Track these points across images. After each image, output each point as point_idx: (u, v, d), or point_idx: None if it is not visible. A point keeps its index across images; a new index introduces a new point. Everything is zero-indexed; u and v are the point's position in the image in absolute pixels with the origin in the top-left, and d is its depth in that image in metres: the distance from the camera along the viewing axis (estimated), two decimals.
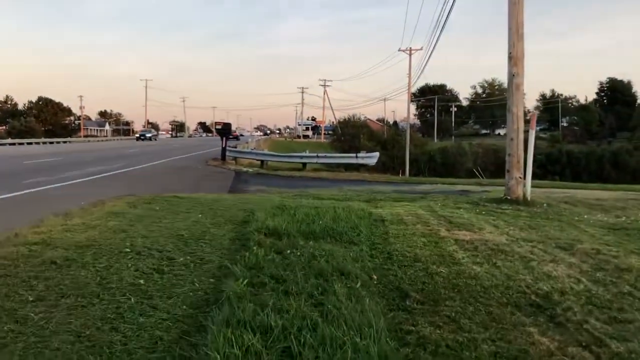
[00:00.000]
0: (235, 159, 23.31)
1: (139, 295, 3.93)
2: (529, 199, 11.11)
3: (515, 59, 10.91)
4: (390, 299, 4.25)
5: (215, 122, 23.09)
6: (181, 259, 5.02)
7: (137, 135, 77.78)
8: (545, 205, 10.93)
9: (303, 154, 21.60)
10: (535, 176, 44.22)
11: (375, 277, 4.81)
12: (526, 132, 11.27)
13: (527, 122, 11.50)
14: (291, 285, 4.18)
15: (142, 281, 4.26)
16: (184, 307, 3.76)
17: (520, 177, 11.12)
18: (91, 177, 14.53)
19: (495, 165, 58.76)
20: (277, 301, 3.75)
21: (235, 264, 4.73)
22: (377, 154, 21.26)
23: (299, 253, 5.37)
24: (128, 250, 5.27)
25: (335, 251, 5.50)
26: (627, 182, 46.76)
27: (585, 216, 10.06)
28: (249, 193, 12.33)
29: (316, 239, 6.29)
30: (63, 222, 6.66)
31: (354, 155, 21.08)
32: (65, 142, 60.62)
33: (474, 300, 4.32)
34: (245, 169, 20.13)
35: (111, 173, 16.06)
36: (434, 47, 49.45)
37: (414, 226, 7.83)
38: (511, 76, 11.07)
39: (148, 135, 76.64)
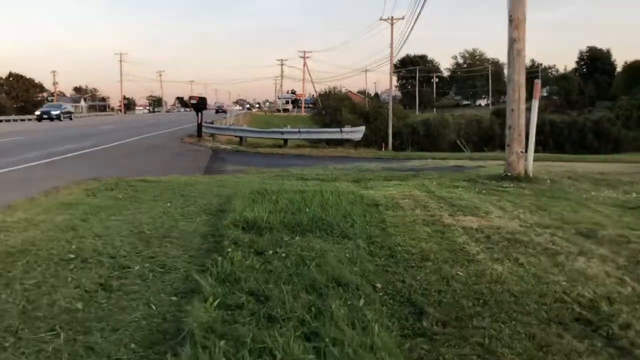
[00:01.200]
0: (212, 135, 22.09)
1: (73, 329, 2.95)
2: (530, 175, 10.27)
3: (516, 22, 9.93)
4: (403, 319, 3.33)
5: (190, 97, 21.71)
6: (138, 267, 4.02)
7: (38, 113, 50.60)
8: (548, 181, 10.12)
9: (284, 129, 20.47)
10: None
11: (379, 285, 3.88)
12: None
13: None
14: (276, 306, 3.22)
15: (80, 305, 3.26)
16: (132, 345, 2.78)
17: (522, 152, 10.26)
18: (53, 159, 13.30)
19: (478, 137, 58.58)
20: (258, 334, 2.80)
21: (204, 273, 3.76)
22: (362, 128, 20.20)
23: (284, 254, 4.41)
24: (72, 256, 4.24)
25: (327, 251, 4.55)
26: (609, 152, 46.71)
27: (593, 193, 9.27)
28: (226, 174, 11.27)
29: (303, 232, 5.33)
30: (1, 219, 5.59)
31: (338, 129, 20.01)
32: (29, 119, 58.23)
33: (507, 317, 3.42)
34: (222, 147, 18.96)
35: (77, 153, 14.82)
36: (417, 17, 47.99)
37: (412, 212, 6.92)
38: (512, 41, 10.10)
39: (55, 112, 49.78)
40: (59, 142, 19.11)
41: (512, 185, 9.77)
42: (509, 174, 10.26)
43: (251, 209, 6.06)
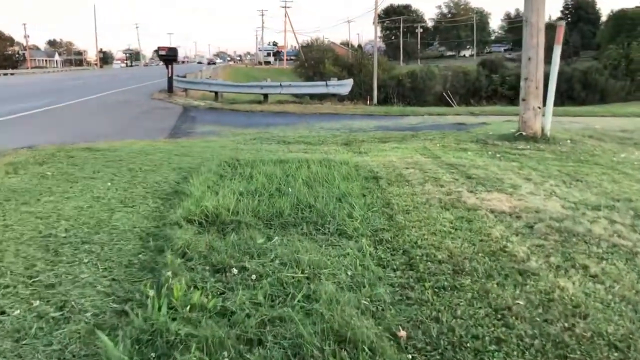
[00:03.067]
0: (185, 90, 20.18)
1: None
2: (548, 135, 8.84)
3: None
4: None
5: (158, 47, 19.59)
6: (17, 311, 2.52)
7: None
8: (568, 141, 8.71)
9: (264, 83, 18.65)
10: (506, 99, 42.31)
11: (403, 334, 2.45)
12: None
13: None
14: None
15: None
16: None
17: (539, 107, 8.79)
18: None
19: (465, 89, 56.95)
20: None
21: (120, 330, 2.29)
22: (350, 81, 18.42)
23: (254, 276, 2.94)
24: None
25: (320, 267, 3.09)
26: (595, 102, 45.54)
27: (623, 155, 7.92)
28: (194, 137, 9.67)
29: (285, 227, 3.87)
30: None
31: (323, 83, 18.22)
32: (6, 74, 55.31)
33: None
34: (195, 103, 17.11)
35: (27, 113, 12.99)
36: None
37: (422, 187, 5.47)
38: None
39: None
40: (15, 99, 17.22)
41: (528, 147, 8.36)
42: (524, 134, 8.83)
43: (214, 193, 4.54)
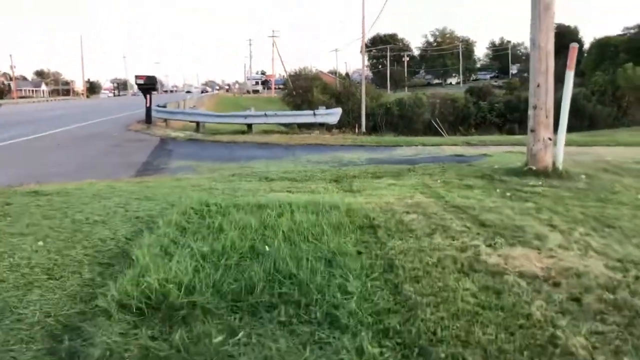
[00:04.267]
0: (165, 120, 19.19)
1: None
2: (560, 168, 7.94)
3: None
4: None
5: (136, 76, 18.62)
6: None
7: None
8: (583, 177, 7.80)
9: (248, 112, 17.68)
10: (494, 126, 41.83)
11: None
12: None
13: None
14: None
15: None
16: None
17: (549, 139, 7.92)
18: None
19: (453, 116, 56.64)
20: None
21: None
22: (339, 110, 17.47)
23: None
24: None
25: None
26: (585, 129, 45.22)
27: None
28: (165, 174, 8.64)
29: (254, 313, 2.85)
30: None
31: (311, 112, 17.29)
32: None
33: None
34: (174, 135, 16.06)
35: None
36: None
37: (429, 239, 4.50)
38: None
39: None
40: None
41: (540, 183, 7.44)
42: (533, 168, 7.92)
43: (168, 257, 3.52)
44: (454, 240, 4.50)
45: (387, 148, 13.31)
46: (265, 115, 17.31)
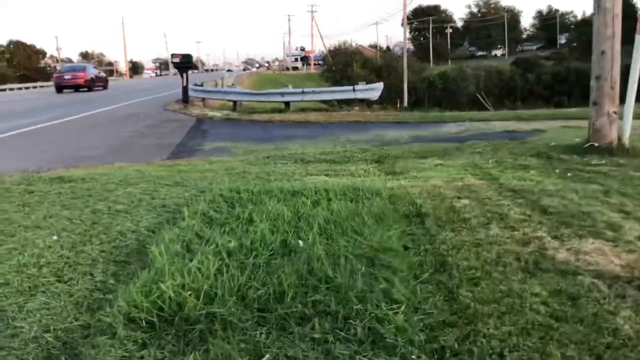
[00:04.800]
0: (203, 100, 18.94)
1: None
2: (627, 145, 7.17)
3: None
4: None
5: (172, 54, 18.31)
6: None
7: None
8: None
9: (285, 89, 17.19)
10: (542, 98, 39.88)
11: None
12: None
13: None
14: None
15: None
16: None
17: (615, 112, 7.15)
18: None
19: (499, 89, 54.72)
20: None
21: None
22: (380, 85, 16.74)
23: None
24: None
25: None
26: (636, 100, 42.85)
27: None
28: (199, 156, 8.29)
29: (284, 327, 2.42)
30: None
31: (350, 88, 16.64)
32: (42, 86, 55.10)
33: None
34: (211, 114, 15.74)
35: (29, 129, 11.97)
36: None
37: (485, 230, 3.96)
38: None
39: None
40: (28, 113, 16.38)
41: (604, 161, 6.71)
42: (596, 144, 7.18)
43: (189, 256, 3.12)
44: (513, 231, 3.95)
45: (432, 124, 12.59)
46: (303, 92, 16.78)
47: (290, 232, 3.66)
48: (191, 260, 3.04)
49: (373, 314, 2.50)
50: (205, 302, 2.55)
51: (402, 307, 2.58)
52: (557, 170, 6.32)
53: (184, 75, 17.94)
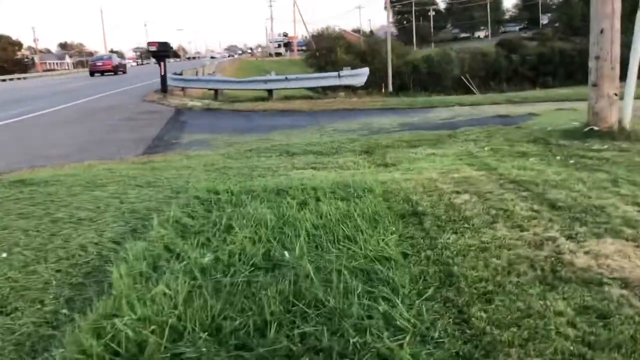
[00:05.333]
0: (183, 89, 18.31)
1: None
2: (628, 128, 6.82)
3: None
4: None
5: (149, 43, 17.69)
6: None
7: None
8: None
9: (268, 77, 16.63)
10: (527, 80, 39.46)
11: None
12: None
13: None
14: None
15: None
16: None
17: (615, 94, 6.79)
18: None
19: (484, 71, 54.34)
20: None
21: None
22: (366, 70, 16.25)
23: None
24: None
25: None
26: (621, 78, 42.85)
27: None
28: (176, 150, 7.79)
29: None
30: None
31: (335, 74, 16.12)
32: (19, 78, 54.01)
33: None
34: (190, 104, 15.11)
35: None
36: None
37: (492, 231, 3.57)
38: None
39: None
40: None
41: (606, 147, 6.36)
42: (596, 128, 6.83)
43: (153, 280, 2.67)
44: (522, 231, 3.55)
45: (421, 110, 12.15)
46: (287, 79, 16.25)
47: (274, 242, 3.22)
48: (157, 283, 2.59)
49: (374, 349, 2.08)
50: (172, 340, 2.12)
51: (408, 337, 2.16)
52: (558, 158, 5.95)
53: (162, 64, 17.28)
